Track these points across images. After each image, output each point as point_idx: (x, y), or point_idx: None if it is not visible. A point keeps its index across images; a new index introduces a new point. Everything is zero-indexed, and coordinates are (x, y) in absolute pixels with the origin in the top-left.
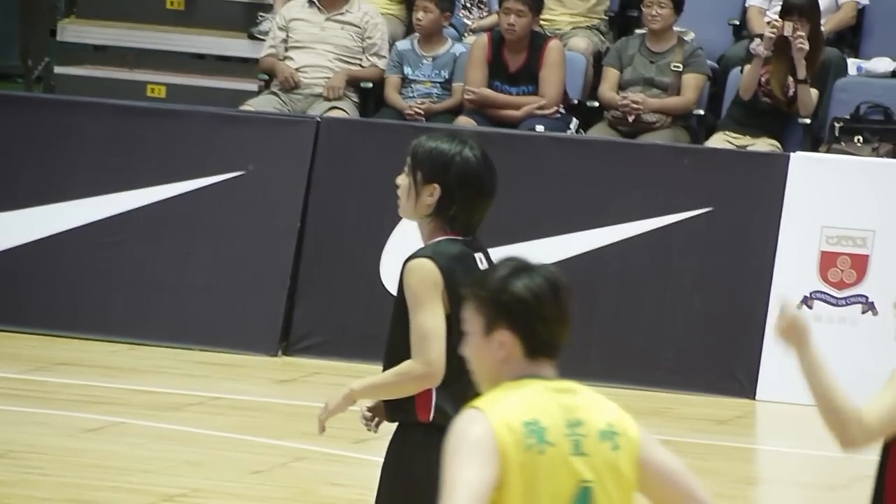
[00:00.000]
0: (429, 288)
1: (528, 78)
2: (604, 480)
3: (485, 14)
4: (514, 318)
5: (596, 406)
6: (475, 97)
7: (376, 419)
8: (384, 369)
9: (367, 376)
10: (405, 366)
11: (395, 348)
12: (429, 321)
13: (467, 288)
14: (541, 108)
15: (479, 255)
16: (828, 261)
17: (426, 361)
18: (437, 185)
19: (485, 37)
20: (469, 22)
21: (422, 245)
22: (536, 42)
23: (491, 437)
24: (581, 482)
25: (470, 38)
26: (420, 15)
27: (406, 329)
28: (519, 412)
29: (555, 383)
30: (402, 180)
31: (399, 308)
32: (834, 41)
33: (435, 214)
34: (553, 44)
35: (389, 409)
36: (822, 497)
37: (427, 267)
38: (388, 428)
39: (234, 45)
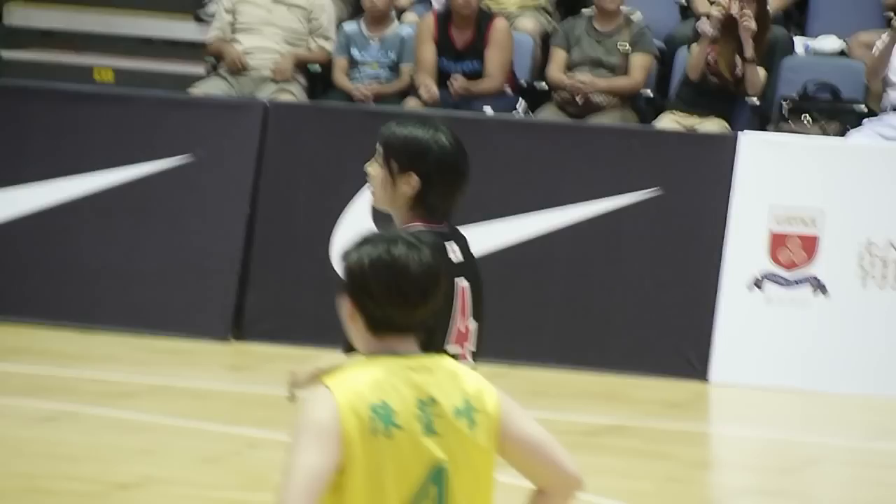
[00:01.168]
0: None
1: (474, 54)
2: (458, 460)
3: None
4: (350, 288)
5: (453, 382)
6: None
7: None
8: (344, 350)
9: (334, 355)
10: None
11: None
12: None
13: None
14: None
15: (450, 244)
16: (778, 241)
17: None
18: (413, 174)
19: (430, 15)
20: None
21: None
22: (483, 20)
23: (335, 421)
24: (434, 462)
25: (410, 18)
26: None
27: None
28: (367, 394)
29: (410, 360)
30: (375, 170)
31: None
32: (781, 20)
33: (412, 203)
34: (499, 22)
35: None
36: (775, 480)
37: None
38: None
39: (181, 28)
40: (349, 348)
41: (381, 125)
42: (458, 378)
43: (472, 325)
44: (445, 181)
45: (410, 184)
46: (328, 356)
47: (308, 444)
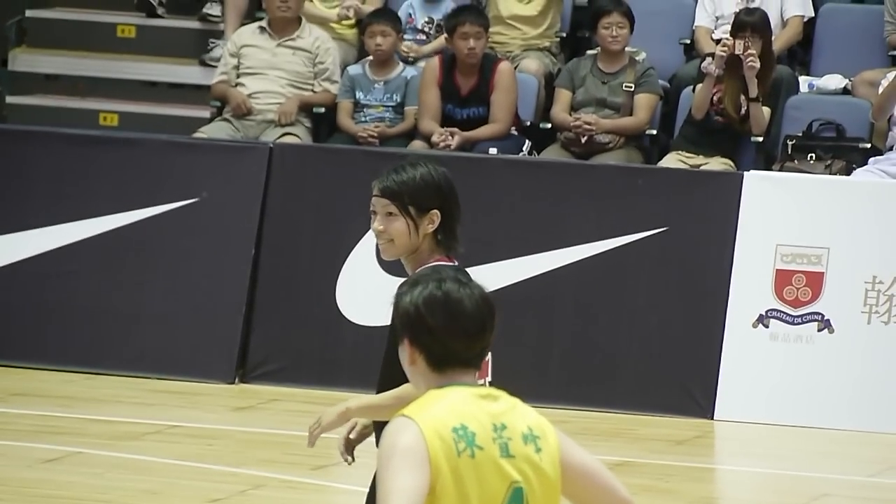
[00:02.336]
0: None
1: (478, 100)
2: (532, 482)
3: (423, 39)
4: (408, 330)
5: (516, 411)
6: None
7: (353, 451)
8: (378, 391)
9: (363, 396)
10: (403, 389)
11: (390, 371)
12: None
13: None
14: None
15: None
16: (783, 279)
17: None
18: (436, 211)
19: (436, 60)
20: (405, 49)
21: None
22: (487, 64)
23: (421, 444)
24: (512, 483)
25: (420, 63)
26: (379, 40)
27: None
28: (447, 418)
29: (478, 389)
30: (390, 223)
31: (393, 333)
32: (785, 59)
33: (429, 242)
34: (503, 66)
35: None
36: None
37: None
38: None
39: (185, 73)
40: (384, 387)
41: (386, 167)
42: (519, 407)
43: (488, 357)
44: (454, 212)
45: (433, 220)
46: (358, 397)
47: (400, 469)
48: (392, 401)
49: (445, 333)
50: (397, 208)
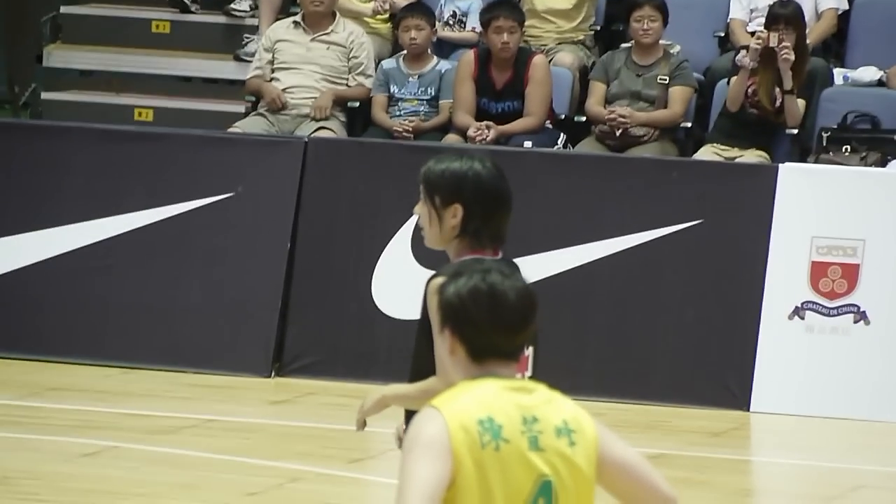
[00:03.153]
0: None
1: (513, 94)
2: (563, 476)
3: (456, 30)
4: (454, 319)
5: (552, 404)
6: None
7: None
8: (410, 381)
9: (399, 385)
10: (430, 382)
11: (419, 363)
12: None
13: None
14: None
15: None
16: (818, 271)
17: (448, 383)
18: (458, 206)
19: (471, 53)
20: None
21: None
22: (521, 58)
23: (444, 435)
24: (541, 476)
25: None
26: (413, 34)
27: (429, 345)
28: (474, 410)
29: (511, 382)
30: (420, 209)
31: (423, 325)
32: (819, 51)
33: (461, 235)
34: (538, 59)
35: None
36: None
37: None
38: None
39: (220, 68)
40: (415, 378)
41: (421, 161)
42: (555, 400)
43: (529, 351)
44: (486, 207)
45: (455, 214)
46: (393, 385)
47: (420, 459)
48: (419, 393)
49: (488, 325)
50: (424, 195)
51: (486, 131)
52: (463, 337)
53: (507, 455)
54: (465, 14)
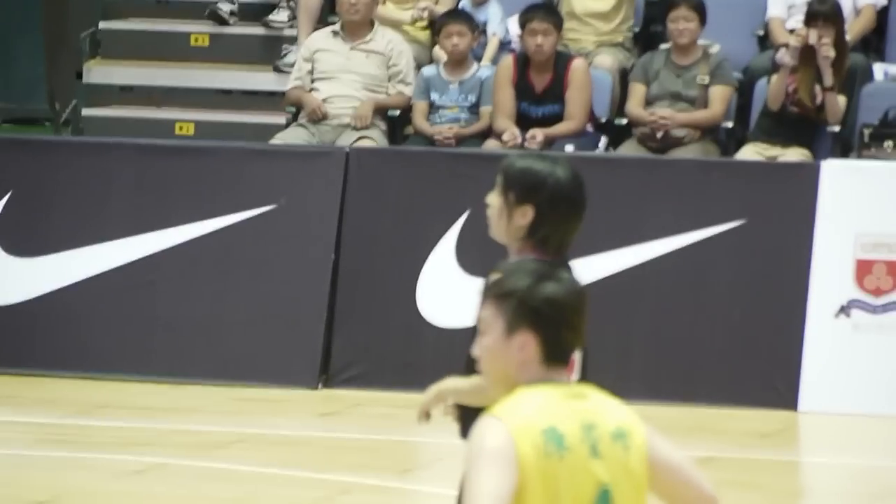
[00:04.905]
0: None
1: (554, 98)
2: (620, 482)
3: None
4: (541, 321)
5: (606, 409)
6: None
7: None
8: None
9: (454, 379)
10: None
11: (471, 373)
12: None
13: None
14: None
15: None
16: (863, 268)
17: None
18: (530, 207)
19: (510, 58)
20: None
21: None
22: (561, 62)
23: (510, 445)
24: (601, 485)
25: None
26: (456, 39)
27: None
28: (536, 419)
29: (567, 388)
30: (494, 200)
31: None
32: (859, 47)
33: (527, 236)
34: (577, 63)
35: (465, 426)
36: None
37: None
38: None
39: (259, 79)
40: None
41: (463, 167)
42: (609, 405)
43: (577, 355)
44: (559, 214)
45: (526, 216)
46: (449, 379)
47: (487, 471)
48: (471, 388)
49: (571, 330)
50: (500, 188)
51: (534, 139)
52: (546, 339)
53: (571, 464)
54: (485, 23)
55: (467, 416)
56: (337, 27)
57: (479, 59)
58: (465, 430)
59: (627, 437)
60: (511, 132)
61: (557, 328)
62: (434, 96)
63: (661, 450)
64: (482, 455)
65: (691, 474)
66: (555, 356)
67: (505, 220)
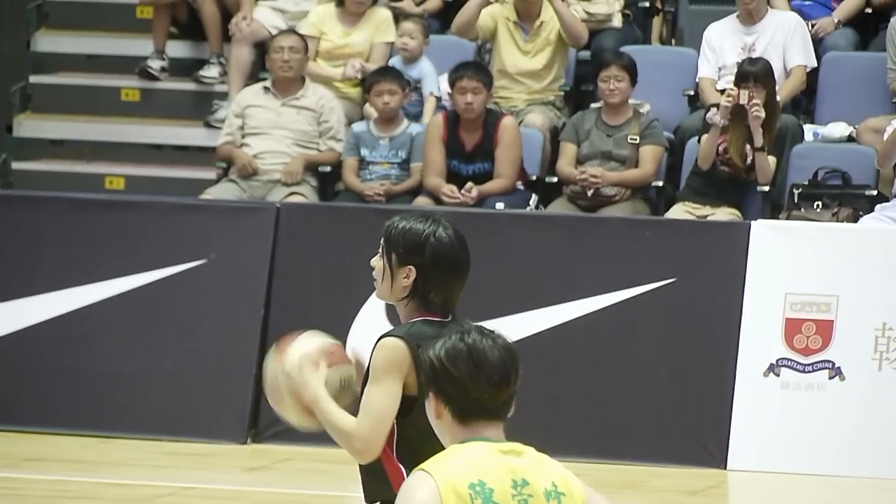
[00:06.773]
0: (390, 367)
1: (484, 155)
2: None
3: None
4: (433, 383)
5: (541, 467)
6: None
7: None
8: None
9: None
10: (350, 423)
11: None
12: (377, 398)
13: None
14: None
15: None
16: (793, 327)
17: (359, 430)
18: (412, 267)
19: (440, 116)
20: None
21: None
22: (491, 119)
23: (436, 499)
24: None
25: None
26: (387, 98)
27: None
28: (464, 474)
29: (500, 445)
30: (377, 262)
31: (366, 378)
32: (789, 108)
33: (411, 296)
34: (507, 121)
35: (367, 490)
36: None
37: (395, 346)
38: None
39: (190, 135)
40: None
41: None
42: (544, 462)
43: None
44: (441, 274)
45: (408, 277)
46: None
47: None
48: (337, 422)
49: (470, 384)
50: (382, 250)
51: (469, 193)
52: (448, 398)
53: None
54: (418, 81)
55: (370, 481)
56: (268, 83)
57: (414, 118)
58: (369, 495)
59: (564, 496)
60: (451, 189)
61: (454, 386)
62: (364, 152)
63: None
64: None
65: None
66: (465, 414)
67: (388, 281)
